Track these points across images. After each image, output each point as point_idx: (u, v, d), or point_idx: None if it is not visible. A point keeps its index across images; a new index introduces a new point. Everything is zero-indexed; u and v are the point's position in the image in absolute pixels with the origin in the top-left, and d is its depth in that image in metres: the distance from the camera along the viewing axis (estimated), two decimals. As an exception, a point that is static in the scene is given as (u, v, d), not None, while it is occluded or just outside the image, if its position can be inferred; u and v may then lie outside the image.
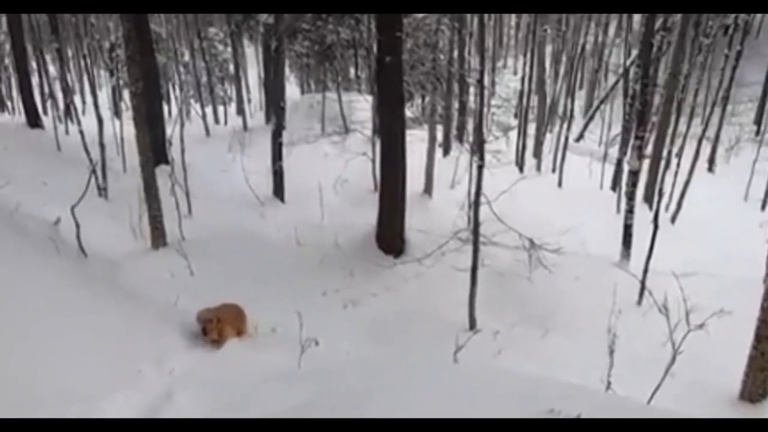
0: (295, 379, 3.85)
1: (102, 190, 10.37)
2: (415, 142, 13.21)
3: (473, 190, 8.22)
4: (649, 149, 14.67)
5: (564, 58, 22.18)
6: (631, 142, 11.96)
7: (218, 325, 5.55)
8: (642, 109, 10.49)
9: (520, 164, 17.44)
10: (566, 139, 17.40)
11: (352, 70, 22.80)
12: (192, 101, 22.62)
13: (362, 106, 16.31)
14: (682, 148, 15.49)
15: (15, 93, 19.99)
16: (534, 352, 7.01)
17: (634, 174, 10.51)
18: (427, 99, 17.16)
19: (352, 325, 7.76)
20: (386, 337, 7.32)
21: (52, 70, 20.35)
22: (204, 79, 22.82)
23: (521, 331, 7.61)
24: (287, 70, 22.14)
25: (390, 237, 9.74)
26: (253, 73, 29.41)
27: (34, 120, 14.21)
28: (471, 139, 15.04)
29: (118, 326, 4.32)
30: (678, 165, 14.51)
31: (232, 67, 23.75)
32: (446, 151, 16.13)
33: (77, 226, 7.26)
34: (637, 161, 10.52)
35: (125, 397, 3.40)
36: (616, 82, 22.29)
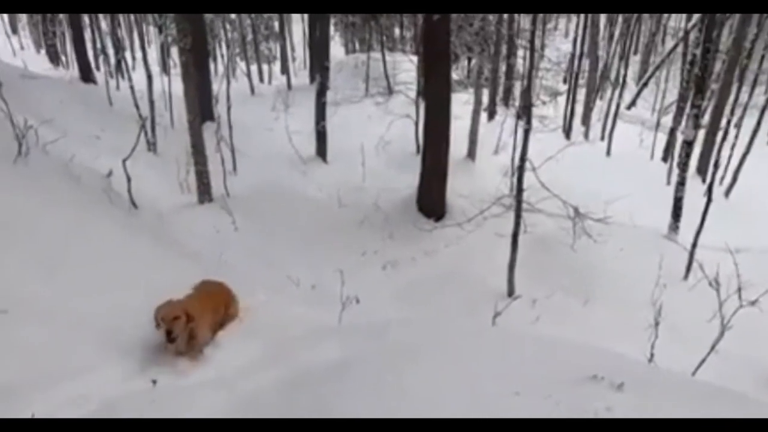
0: (337, 333, 3.93)
1: (151, 145, 10.63)
2: (460, 105, 13.00)
3: (518, 156, 8.06)
4: (705, 119, 14.03)
5: (620, 20, 21.15)
6: (687, 110, 11.44)
7: (189, 326, 3.60)
8: (701, 76, 9.97)
9: (567, 131, 16.96)
10: (617, 106, 16.77)
11: (397, 30, 22.38)
12: (237, 59, 22.71)
13: (407, 66, 16.07)
14: (741, 119, 14.72)
15: (69, 48, 20.49)
16: (572, 322, 6.95)
17: (689, 144, 10.09)
18: (474, 61, 16.76)
19: (390, 286, 7.84)
20: (424, 300, 7.38)
21: (104, 26, 20.71)
22: (249, 36, 22.82)
23: (561, 300, 7.54)
24: (332, 29, 21.88)
25: (431, 201, 9.69)
26: (298, 31, 29.25)
27: (87, 75, 14.58)
28: (517, 103, 14.67)
29: (168, 275, 4.49)
30: (736, 136, 13.84)
31: (277, 25, 23.65)
32: (491, 116, 15.81)
33: (128, 179, 7.48)
34: (693, 131, 10.08)
35: None
36: (675, 47, 21.19)
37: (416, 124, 12.46)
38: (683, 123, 13.13)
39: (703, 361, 4.79)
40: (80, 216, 5.00)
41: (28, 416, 2.59)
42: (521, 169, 7.50)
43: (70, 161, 6.95)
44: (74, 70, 16.22)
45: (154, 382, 3.17)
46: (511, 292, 7.69)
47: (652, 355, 4.88)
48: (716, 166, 10.87)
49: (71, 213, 4.87)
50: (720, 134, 13.95)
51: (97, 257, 4.32)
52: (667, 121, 16.42)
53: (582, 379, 2.67)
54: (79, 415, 2.58)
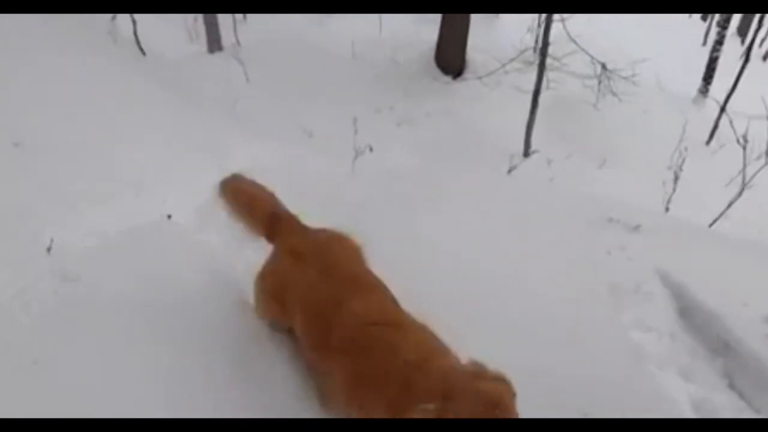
0: (352, 179, 3.91)
1: (155, -11, 10.01)
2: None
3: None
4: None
5: None
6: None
7: None
8: None
9: (600, -15, 15.63)
10: (660, -43, 15.25)
11: None
12: None
13: None
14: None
15: None
16: (588, 181, 6.89)
17: (734, -1, 9.27)
18: None
19: (405, 142, 7.73)
20: (439, 156, 7.30)
21: None
22: None
23: (578, 161, 7.43)
24: None
25: (450, 55, 9.22)
26: None
27: None
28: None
29: (181, 121, 4.39)
30: (786, -6, 12.68)
31: None
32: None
33: (134, 21, 7.11)
34: (741, -17, 9.21)
35: (206, 171, 3.50)
36: None
37: (438, -29, 11.49)
38: (731, -24, 11.99)
39: (721, 214, 4.77)
40: (85, 55, 4.80)
41: (47, 241, 2.64)
42: (549, 18, 6.99)
43: (70, 0, 6.56)
44: None
45: (169, 216, 3.21)
46: (527, 152, 7.57)
47: (667, 208, 4.87)
48: (759, 25, 10.10)
49: (75, 51, 4.67)
50: (769, -9, 12.80)
51: (106, 97, 4.21)
52: (713, -25, 15.02)
53: (598, 220, 2.66)
54: (94, 244, 2.64)
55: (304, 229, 2.26)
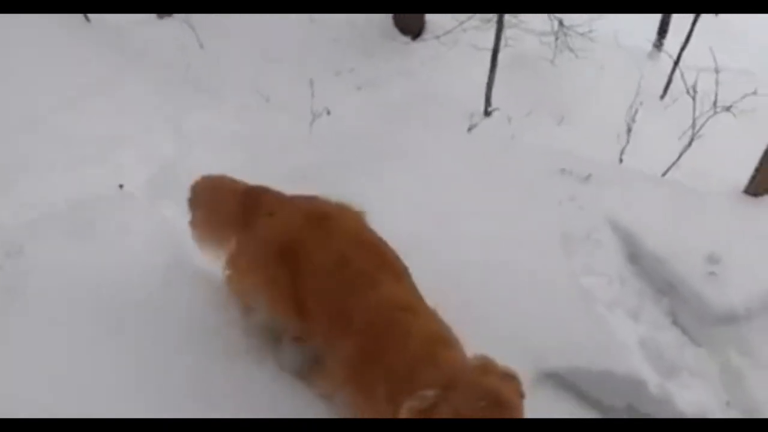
0: (307, 142, 3.88)
1: (96, -49, 9.49)
2: None
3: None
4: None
5: None
6: None
7: None
8: None
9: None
10: None
11: None
12: None
13: None
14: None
15: None
16: (547, 137, 6.97)
17: (687, -48, 9.34)
18: None
19: (365, 104, 7.64)
20: (399, 117, 7.24)
21: None
22: None
23: (536, 119, 7.49)
24: None
25: (409, 16, 9.09)
26: None
27: None
28: None
29: (130, 84, 4.26)
30: (738, -54, 12.82)
31: None
32: None
33: (74, -14, 6.76)
34: (694, -64, 9.26)
35: (160, 138, 3.40)
36: None
37: (394, -72, 11.20)
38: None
39: (673, 164, 4.92)
40: (24, 21, 4.57)
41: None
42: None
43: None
44: None
45: (121, 186, 3.14)
46: (487, 111, 7.61)
47: (621, 159, 4.99)
48: (712, -22, 10.22)
49: (13, 17, 4.43)
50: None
51: (49, 64, 4.05)
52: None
53: (550, 172, 2.71)
54: (42, 215, 2.55)
55: (296, 198, 2.16)
